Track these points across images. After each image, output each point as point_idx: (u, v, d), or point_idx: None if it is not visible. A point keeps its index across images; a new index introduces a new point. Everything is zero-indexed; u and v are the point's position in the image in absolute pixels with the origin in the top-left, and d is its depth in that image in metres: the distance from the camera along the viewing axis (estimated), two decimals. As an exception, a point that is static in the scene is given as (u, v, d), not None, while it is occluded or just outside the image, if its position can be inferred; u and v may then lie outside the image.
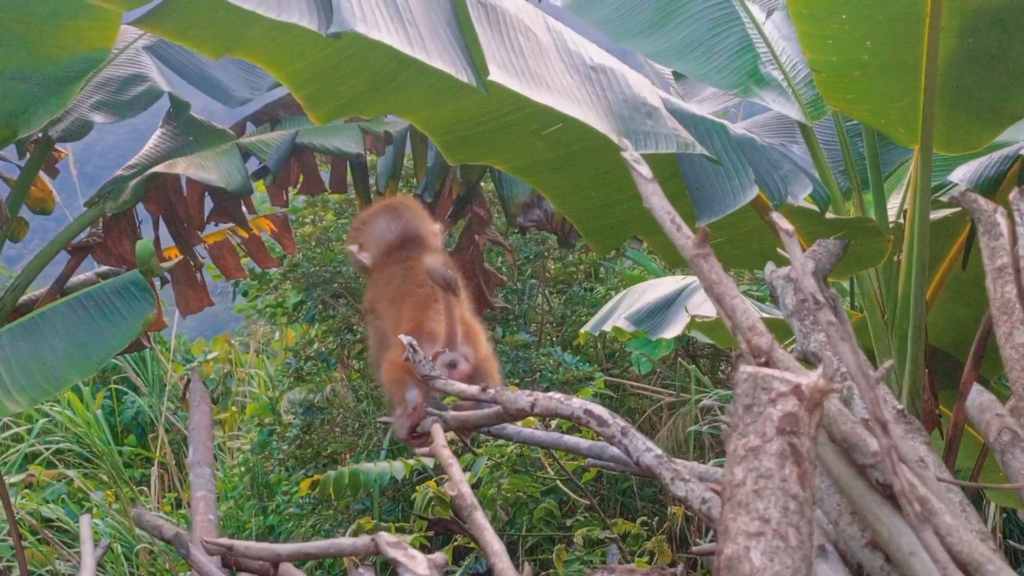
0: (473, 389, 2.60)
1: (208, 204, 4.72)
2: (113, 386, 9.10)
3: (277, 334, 9.42)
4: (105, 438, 8.40)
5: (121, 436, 8.92)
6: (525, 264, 8.10)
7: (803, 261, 2.13)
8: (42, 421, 8.46)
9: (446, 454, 2.41)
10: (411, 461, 5.59)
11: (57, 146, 4.71)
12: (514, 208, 4.61)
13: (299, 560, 2.59)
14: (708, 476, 2.31)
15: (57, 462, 8.43)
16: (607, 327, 6.12)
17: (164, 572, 7.80)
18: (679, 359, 8.19)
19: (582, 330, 6.59)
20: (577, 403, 2.42)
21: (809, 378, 1.71)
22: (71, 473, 8.37)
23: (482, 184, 5.08)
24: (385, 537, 2.03)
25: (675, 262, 4.92)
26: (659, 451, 2.25)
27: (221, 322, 10.72)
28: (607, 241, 4.39)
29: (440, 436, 2.50)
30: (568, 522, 5.92)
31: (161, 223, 4.67)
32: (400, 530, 5.73)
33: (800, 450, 1.64)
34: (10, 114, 4.23)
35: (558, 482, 5.84)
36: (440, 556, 2.02)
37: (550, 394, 2.43)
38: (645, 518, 5.72)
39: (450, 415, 2.63)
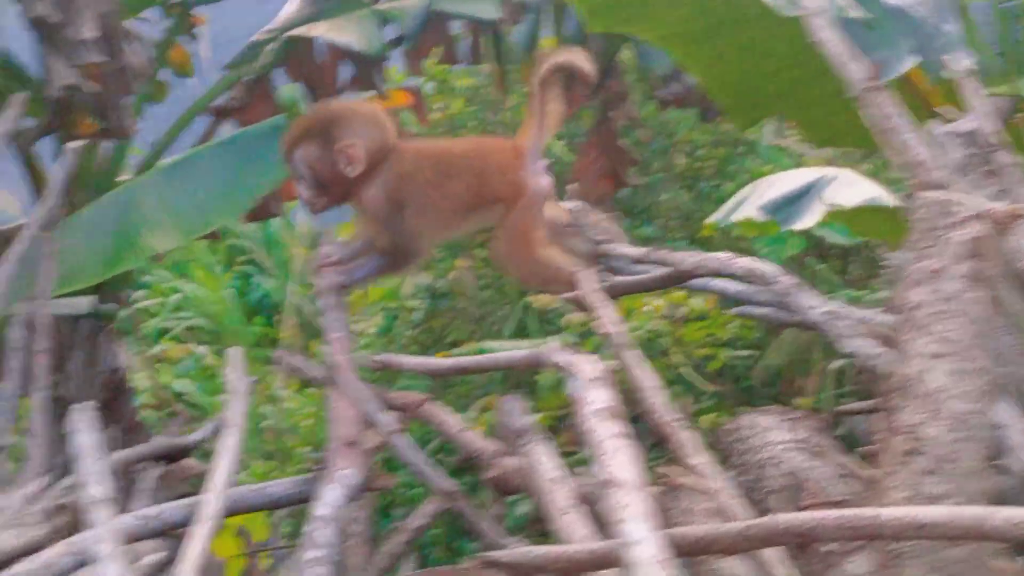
0: (640, 250, 2.58)
1: (344, 75, 4.70)
2: (240, 267, 9.28)
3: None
4: (235, 317, 8.59)
5: (250, 316, 9.11)
6: (651, 158, 7.97)
7: (982, 105, 2.03)
8: (175, 297, 8.67)
9: (597, 296, 2.37)
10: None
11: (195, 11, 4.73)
12: (653, 81, 4.50)
13: (458, 374, 2.60)
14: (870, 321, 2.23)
15: (189, 338, 8.66)
16: (737, 217, 5.98)
17: (287, 450, 8.00)
18: (807, 258, 8.01)
19: (708, 220, 6.47)
20: (743, 261, 2.39)
21: (997, 204, 1.62)
22: (201, 350, 8.59)
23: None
24: (549, 345, 2.01)
25: (820, 140, 4.76)
26: (827, 308, 2.20)
27: (346, 208, 10.78)
28: (750, 116, 4.29)
29: (589, 282, 2.46)
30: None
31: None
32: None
33: (986, 274, 1.56)
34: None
35: (681, 371, 5.79)
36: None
37: (716, 254, 2.41)
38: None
39: (619, 279, 2.60)
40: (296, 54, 4.54)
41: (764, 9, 3.43)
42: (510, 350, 5.51)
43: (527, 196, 2.48)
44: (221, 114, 4.60)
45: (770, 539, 1.56)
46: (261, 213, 4.77)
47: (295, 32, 4.41)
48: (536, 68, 2.61)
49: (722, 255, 2.46)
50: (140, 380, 6.66)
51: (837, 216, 5.54)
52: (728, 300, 3.40)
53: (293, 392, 7.46)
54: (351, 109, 2.54)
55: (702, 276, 2.54)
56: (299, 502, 2.36)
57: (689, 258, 2.48)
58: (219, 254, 9.05)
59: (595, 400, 1.80)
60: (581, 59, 2.63)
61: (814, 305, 2.26)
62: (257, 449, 7.04)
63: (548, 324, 6.34)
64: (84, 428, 2.01)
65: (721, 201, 7.84)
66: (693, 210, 8.35)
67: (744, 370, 6.96)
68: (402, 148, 2.52)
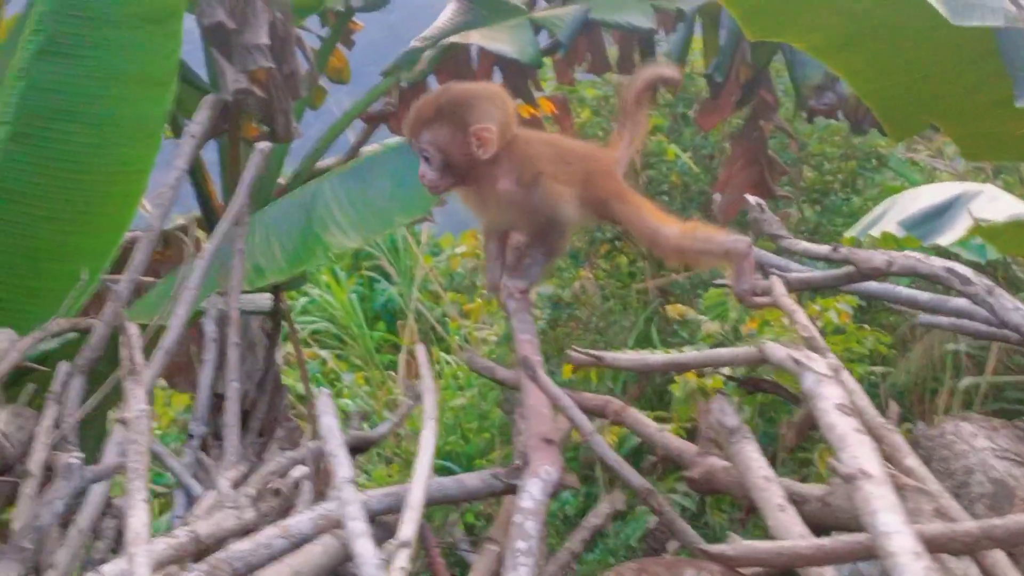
0: (824, 248, 2.57)
1: (496, 81, 4.76)
2: (365, 273, 9.42)
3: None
4: (358, 321, 8.72)
5: (372, 322, 9.24)
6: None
7: None
8: (302, 301, 8.83)
9: (788, 301, 2.38)
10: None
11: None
12: (806, 90, 4.49)
13: (672, 371, 2.62)
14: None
15: (312, 342, 8.81)
16: (874, 232, 5.91)
17: (407, 453, 8.09)
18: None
19: (846, 234, 6.39)
20: (938, 262, 2.37)
21: None
22: (324, 353, 8.73)
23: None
24: (771, 344, 2.02)
25: (977, 153, 4.69)
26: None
27: (469, 217, 10.87)
28: (905, 127, 4.24)
29: (780, 286, 2.46)
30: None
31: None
32: (658, 419, 5.72)
33: None
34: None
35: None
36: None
37: (907, 252, 2.39)
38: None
39: (793, 276, 2.60)
40: (450, 61, 4.62)
41: (924, 19, 3.40)
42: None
43: (635, 195, 2.53)
44: (376, 120, 4.69)
45: (1013, 540, 1.55)
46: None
47: (451, 39, 4.48)
48: (629, 84, 2.65)
49: (914, 253, 2.44)
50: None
51: (984, 231, 5.45)
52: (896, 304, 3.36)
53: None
54: (481, 92, 2.50)
55: (893, 274, 2.52)
56: (492, 495, 2.40)
57: (877, 256, 2.46)
58: (344, 260, 9.21)
59: (831, 395, 1.81)
60: (669, 70, 2.70)
61: (1013, 307, 2.23)
62: (378, 455, 7.13)
63: (673, 336, 6.31)
64: (327, 412, 2.08)
65: (850, 216, 7.76)
66: (819, 224, 8.29)
67: (870, 387, 6.87)
68: (520, 133, 2.52)
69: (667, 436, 2.40)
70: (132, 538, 1.80)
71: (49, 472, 2.34)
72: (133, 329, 2.32)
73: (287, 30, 4.04)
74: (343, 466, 1.97)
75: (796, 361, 1.93)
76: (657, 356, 2.57)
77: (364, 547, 1.81)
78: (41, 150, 3.46)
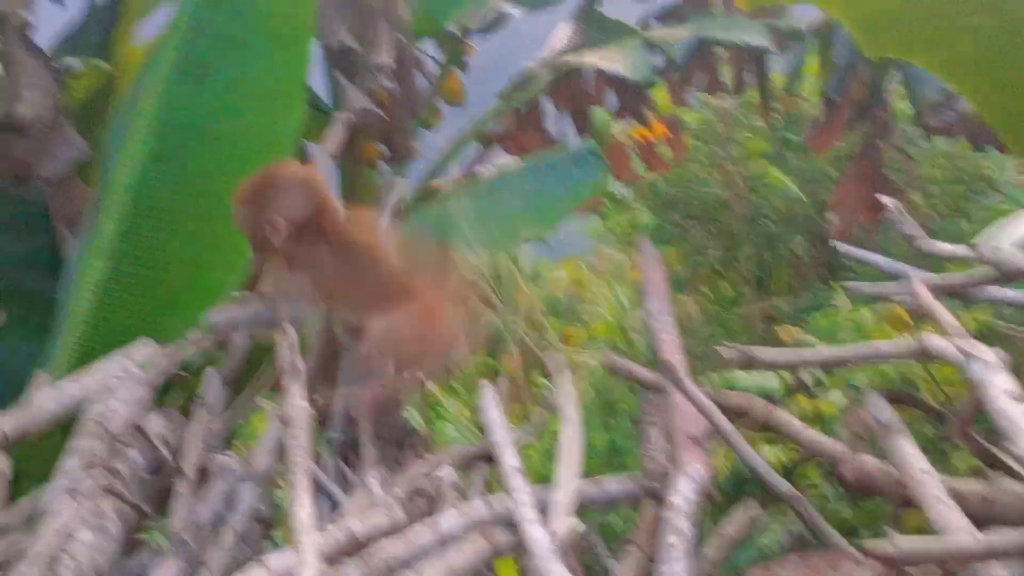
0: (962, 249, 2.54)
1: (610, 103, 4.81)
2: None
3: (627, 257, 9.52)
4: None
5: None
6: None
7: None
8: (404, 326, 8.89)
9: (934, 303, 2.35)
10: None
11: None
12: (924, 109, 4.45)
13: (832, 365, 2.61)
14: None
15: (414, 368, 8.84)
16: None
17: (536, 465, 8.07)
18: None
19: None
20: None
21: None
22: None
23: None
24: (932, 336, 2.01)
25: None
26: None
27: (568, 244, 10.89)
28: (1032, 145, 4.17)
29: (923, 290, 2.44)
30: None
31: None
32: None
33: None
34: (433, 7, 4.45)
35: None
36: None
37: (1050, 255, 2.33)
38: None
39: (921, 276, 2.57)
40: (564, 83, 4.67)
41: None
42: (759, 385, 5.47)
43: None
44: (491, 141, 4.75)
45: None
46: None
47: (565, 60, 4.53)
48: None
49: (1057, 257, 2.39)
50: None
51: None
52: None
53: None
54: (282, 177, 2.50)
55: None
56: (635, 500, 2.40)
57: (1021, 257, 2.42)
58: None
59: (1001, 383, 1.80)
60: None
61: None
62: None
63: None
64: (491, 405, 2.12)
65: (959, 240, 7.63)
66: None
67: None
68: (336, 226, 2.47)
69: (812, 435, 2.38)
70: (299, 527, 1.84)
71: (201, 473, 2.40)
72: (292, 332, 2.38)
73: (408, 51, 4.12)
74: (510, 456, 2.00)
75: (962, 350, 1.92)
76: (813, 352, 2.54)
77: (537, 533, 1.83)
78: (177, 168, 3.56)
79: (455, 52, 4.78)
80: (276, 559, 1.90)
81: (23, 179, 4.26)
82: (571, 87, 4.70)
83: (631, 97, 4.64)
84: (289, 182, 2.49)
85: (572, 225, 9.10)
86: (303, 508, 1.88)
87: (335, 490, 2.53)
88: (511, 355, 8.74)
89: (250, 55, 3.65)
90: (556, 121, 4.80)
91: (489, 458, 2.86)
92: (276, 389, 2.49)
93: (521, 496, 1.93)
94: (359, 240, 2.48)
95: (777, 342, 6.19)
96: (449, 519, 2.14)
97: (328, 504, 2.56)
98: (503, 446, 2.04)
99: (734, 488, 3.63)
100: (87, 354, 3.20)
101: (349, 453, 2.93)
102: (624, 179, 5.60)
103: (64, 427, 2.61)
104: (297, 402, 2.10)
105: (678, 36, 4.53)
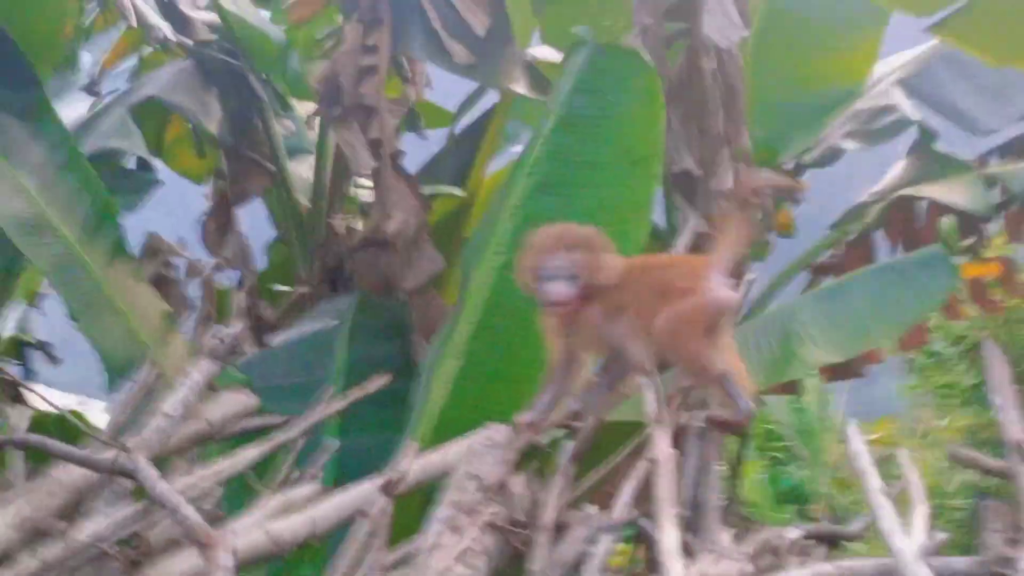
0: None
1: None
2: (774, 454, 9.40)
3: (945, 419, 9.18)
4: (768, 502, 8.67)
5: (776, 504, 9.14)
6: None
7: None
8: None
9: None
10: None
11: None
12: None
13: None
14: None
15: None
16: None
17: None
18: None
19: None
20: None
21: None
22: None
23: None
24: None
25: None
26: None
27: (881, 402, 10.64)
28: None
29: None
30: None
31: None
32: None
33: None
34: (772, 138, 4.64)
35: None
36: None
37: None
38: None
39: None
40: (896, 215, 4.72)
41: None
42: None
43: (703, 296, 2.48)
44: (823, 271, 4.82)
45: None
46: (844, 372, 4.90)
47: (902, 193, 4.59)
48: (736, 191, 2.63)
49: None
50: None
51: None
52: None
53: None
54: (596, 232, 2.65)
55: None
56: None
57: None
58: (757, 438, 9.24)
59: None
60: (777, 179, 2.65)
61: None
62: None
63: None
64: (856, 438, 2.18)
65: None
66: None
67: None
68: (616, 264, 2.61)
69: None
70: (666, 552, 1.97)
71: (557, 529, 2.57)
72: (657, 383, 2.54)
73: (748, 178, 4.29)
74: (887, 512, 2.05)
75: None
76: None
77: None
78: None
79: (788, 189, 4.91)
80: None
81: (387, 290, 4.70)
82: (903, 219, 4.74)
83: (966, 230, 4.62)
84: (601, 237, 2.65)
85: (887, 384, 8.90)
86: (669, 537, 2.01)
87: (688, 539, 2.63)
88: (816, 507, 8.55)
89: (603, 175, 3.91)
90: (886, 253, 4.83)
91: (828, 541, 2.90)
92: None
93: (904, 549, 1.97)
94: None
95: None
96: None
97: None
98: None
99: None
100: (439, 440, 3.41)
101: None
102: (986, 308, 5.42)
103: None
104: (664, 447, 2.25)
105: (1018, 171, 4.51)
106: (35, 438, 2.53)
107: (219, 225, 5.29)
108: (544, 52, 4.97)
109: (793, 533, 2.32)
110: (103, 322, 3.83)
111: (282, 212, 5.32)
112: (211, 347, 2.89)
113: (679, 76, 4.20)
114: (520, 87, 4.71)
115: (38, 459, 2.83)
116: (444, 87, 5.42)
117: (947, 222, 4.18)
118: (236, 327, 3.07)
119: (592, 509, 2.51)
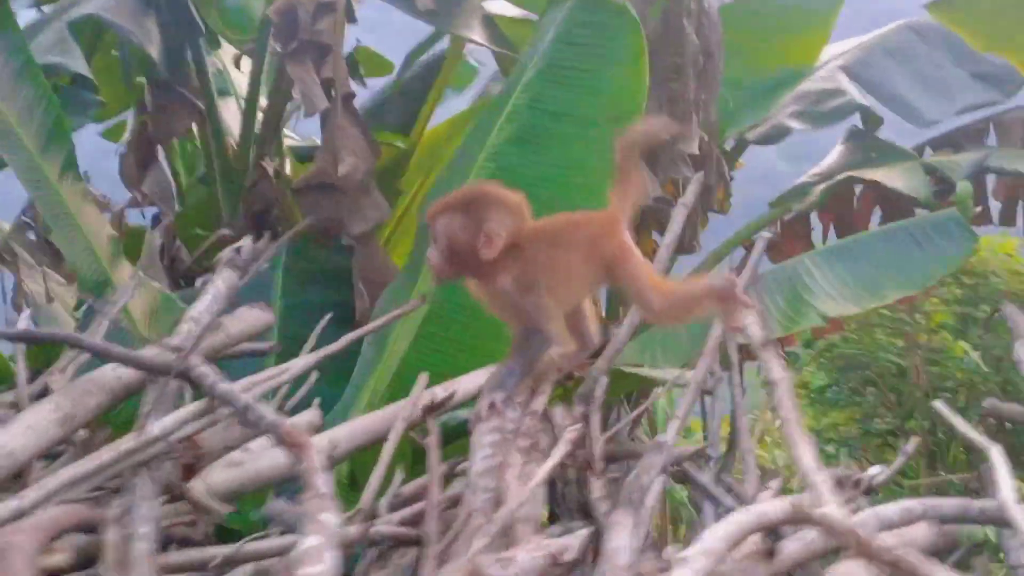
0: None
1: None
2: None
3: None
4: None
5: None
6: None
7: None
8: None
9: None
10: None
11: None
12: None
13: None
14: None
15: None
16: None
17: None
18: None
19: None
20: None
21: None
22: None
23: None
24: None
25: None
26: None
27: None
28: None
29: None
30: None
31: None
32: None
33: None
34: (724, 112, 4.67)
35: None
36: None
37: None
38: None
39: None
40: (835, 197, 4.82)
41: None
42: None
43: (633, 255, 2.43)
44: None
45: None
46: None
47: (845, 175, 4.68)
48: (621, 140, 2.62)
49: None
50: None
51: None
52: None
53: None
54: (503, 196, 2.46)
55: None
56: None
57: None
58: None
59: None
60: (661, 126, 2.64)
61: None
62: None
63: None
64: (1000, 464, 2.12)
65: None
66: None
67: None
68: (529, 230, 2.44)
69: None
70: (807, 468, 1.93)
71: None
72: (757, 306, 2.47)
73: (711, 148, 4.31)
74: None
75: None
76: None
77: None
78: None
79: (730, 162, 4.97)
80: (768, 504, 1.94)
81: (331, 236, 4.51)
82: (841, 201, 4.85)
83: (900, 216, 4.73)
84: (504, 201, 2.46)
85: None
86: (806, 453, 1.97)
87: (721, 496, 2.58)
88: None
89: (580, 130, 3.85)
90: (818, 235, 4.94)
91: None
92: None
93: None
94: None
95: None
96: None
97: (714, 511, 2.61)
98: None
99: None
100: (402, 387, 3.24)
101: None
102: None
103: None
104: (778, 369, 2.20)
105: (959, 161, 4.65)
106: (100, 343, 2.31)
107: (139, 160, 5.00)
108: (501, 7, 4.88)
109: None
110: (69, 235, 3.56)
111: (207, 152, 5.06)
112: (229, 257, 2.71)
113: (656, 36, 4.17)
114: (478, 36, 4.61)
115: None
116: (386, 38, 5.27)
117: (964, 186, 4.28)
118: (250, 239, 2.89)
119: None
